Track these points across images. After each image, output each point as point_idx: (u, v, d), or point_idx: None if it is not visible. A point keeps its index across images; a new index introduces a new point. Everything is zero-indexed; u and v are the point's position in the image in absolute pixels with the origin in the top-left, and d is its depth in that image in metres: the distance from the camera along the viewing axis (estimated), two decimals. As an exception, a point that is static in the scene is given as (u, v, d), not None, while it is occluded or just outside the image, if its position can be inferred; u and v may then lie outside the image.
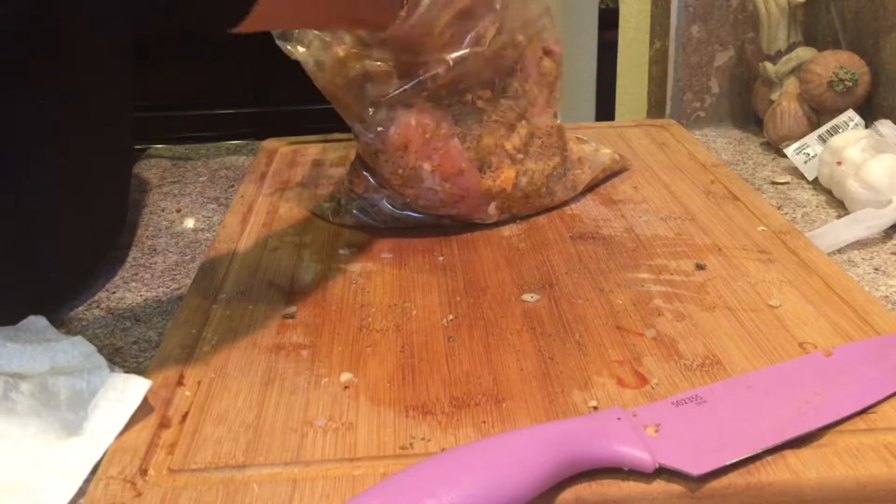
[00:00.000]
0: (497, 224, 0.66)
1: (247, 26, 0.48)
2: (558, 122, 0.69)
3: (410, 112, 0.62)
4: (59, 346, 0.48)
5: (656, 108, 1.03)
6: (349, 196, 0.66)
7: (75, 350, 0.47)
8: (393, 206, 0.65)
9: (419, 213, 0.65)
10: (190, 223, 0.76)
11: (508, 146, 0.65)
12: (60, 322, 0.60)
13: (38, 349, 0.47)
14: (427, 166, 0.62)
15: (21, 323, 0.51)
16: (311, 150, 0.85)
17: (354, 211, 0.66)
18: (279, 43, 0.63)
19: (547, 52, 0.67)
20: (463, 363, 0.48)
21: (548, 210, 0.69)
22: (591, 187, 0.72)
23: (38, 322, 0.51)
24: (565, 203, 0.70)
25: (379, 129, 0.62)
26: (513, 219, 0.67)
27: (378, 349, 0.50)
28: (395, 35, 0.59)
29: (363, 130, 0.63)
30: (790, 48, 0.87)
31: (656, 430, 0.40)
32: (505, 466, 0.37)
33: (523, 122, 0.66)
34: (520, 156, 0.66)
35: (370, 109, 0.62)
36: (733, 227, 0.64)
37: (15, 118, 0.55)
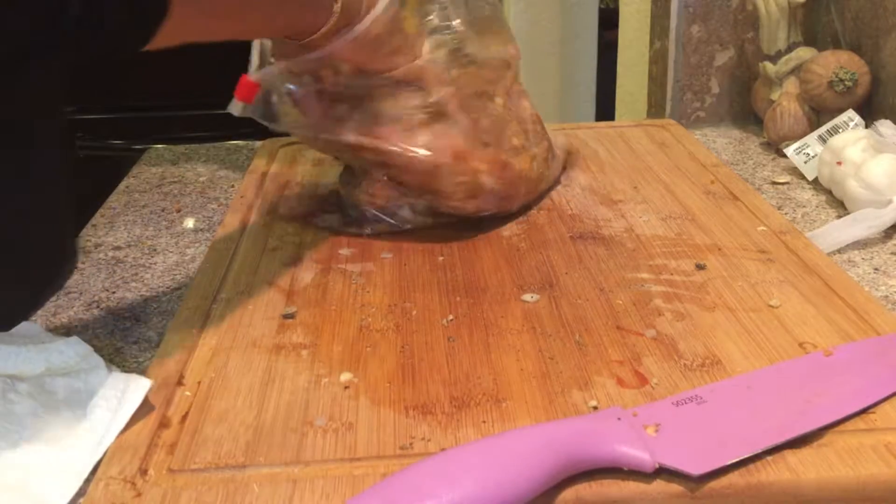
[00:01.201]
0: (497, 224, 0.66)
1: (160, 42, 0.46)
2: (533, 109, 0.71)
3: (449, 123, 0.62)
4: (55, 346, 0.47)
5: (656, 108, 1.03)
6: (363, 209, 0.66)
7: (71, 350, 0.47)
8: (414, 211, 0.65)
9: (436, 218, 0.65)
10: (190, 223, 0.76)
11: (516, 141, 0.66)
12: (60, 323, 0.60)
13: (34, 350, 0.47)
14: (483, 167, 0.63)
15: (14, 329, 0.51)
16: (311, 150, 0.85)
17: (368, 229, 0.65)
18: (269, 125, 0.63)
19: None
20: (463, 363, 0.48)
21: (543, 196, 0.70)
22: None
23: (31, 328, 0.51)
24: (562, 198, 0.70)
25: (428, 146, 0.61)
26: (524, 209, 0.68)
27: (378, 349, 0.50)
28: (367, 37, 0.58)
29: (410, 152, 0.62)
30: (790, 48, 0.87)
31: (656, 430, 0.40)
32: (505, 466, 0.37)
33: (514, 118, 0.68)
34: (525, 144, 0.67)
35: (407, 133, 0.61)
36: (733, 227, 0.64)
37: None
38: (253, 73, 0.61)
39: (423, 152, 0.61)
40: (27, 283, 0.61)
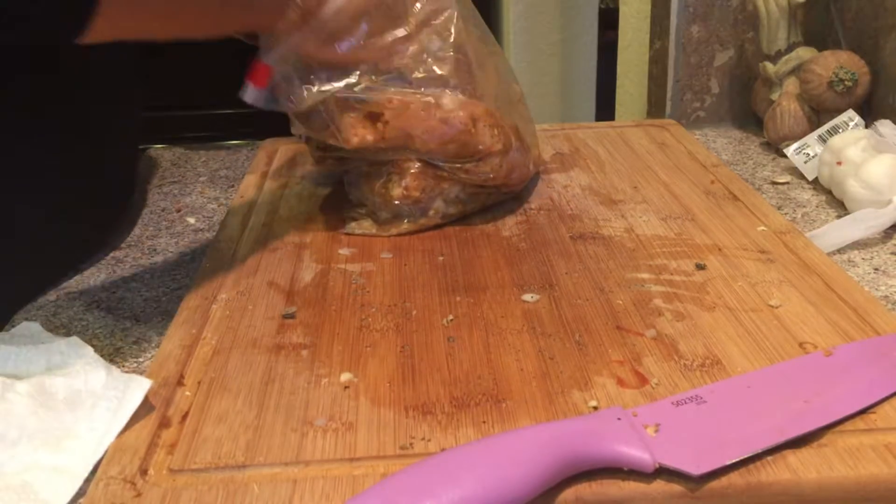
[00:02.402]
0: (497, 223, 0.66)
1: (97, 35, 0.45)
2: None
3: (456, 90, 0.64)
4: (55, 346, 0.47)
5: (656, 108, 1.03)
6: (396, 206, 0.65)
7: (70, 351, 0.47)
8: (446, 201, 0.65)
9: (466, 205, 0.67)
10: (190, 223, 0.76)
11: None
12: (60, 323, 0.60)
13: (33, 351, 0.47)
14: (504, 125, 0.65)
15: (13, 329, 0.51)
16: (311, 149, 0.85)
17: (406, 220, 0.65)
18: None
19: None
20: (463, 363, 0.48)
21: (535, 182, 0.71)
22: None
23: (31, 327, 0.51)
24: (562, 198, 0.70)
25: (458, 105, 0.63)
26: (523, 206, 0.69)
27: (378, 349, 0.50)
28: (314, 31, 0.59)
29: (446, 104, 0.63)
30: (790, 48, 0.87)
31: (656, 430, 0.40)
32: (505, 466, 0.37)
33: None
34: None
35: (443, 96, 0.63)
36: (733, 227, 0.64)
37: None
38: (266, 57, 0.60)
39: (456, 111, 0.62)
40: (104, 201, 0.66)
